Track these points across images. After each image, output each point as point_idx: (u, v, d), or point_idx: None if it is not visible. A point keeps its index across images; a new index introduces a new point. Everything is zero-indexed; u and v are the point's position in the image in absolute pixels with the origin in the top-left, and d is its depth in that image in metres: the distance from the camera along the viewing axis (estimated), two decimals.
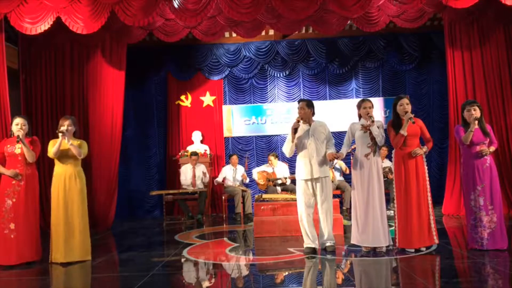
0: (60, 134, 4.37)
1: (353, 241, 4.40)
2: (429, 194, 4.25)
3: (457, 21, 6.94)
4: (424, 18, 6.73)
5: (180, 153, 8.36)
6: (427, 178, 4.28)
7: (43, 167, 6.53)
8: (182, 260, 4.49)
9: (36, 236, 4.43)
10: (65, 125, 4.43)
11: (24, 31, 5.78)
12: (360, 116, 4.45)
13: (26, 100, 6.82)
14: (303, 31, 8.67)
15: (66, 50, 6.95)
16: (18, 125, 4.35)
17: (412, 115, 4.18)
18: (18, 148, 4.35)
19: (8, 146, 4.38)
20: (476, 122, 4.12)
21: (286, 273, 3.90)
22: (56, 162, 4.49)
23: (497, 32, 6.84)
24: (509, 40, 6.85)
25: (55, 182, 4.45)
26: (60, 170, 4.46)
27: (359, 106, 4.45)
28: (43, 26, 5.73)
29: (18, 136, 4.28)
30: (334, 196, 7.13)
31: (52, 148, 4.41)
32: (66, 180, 4.40)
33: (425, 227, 4.18)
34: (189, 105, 8.93)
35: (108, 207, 6.92)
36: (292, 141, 4.45)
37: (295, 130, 4.40)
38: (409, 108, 4.24)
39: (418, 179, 4.21)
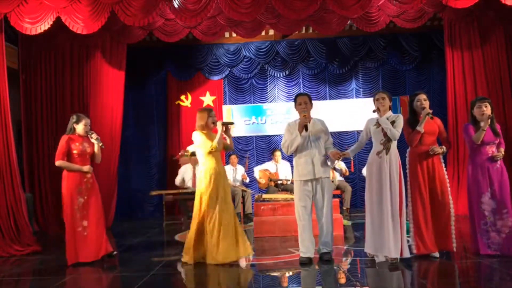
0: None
1: (366, 250, 3.97)
2: (450, 196, 3.93)
3: (457, 21, 6.94)
4: (424, 18, 6.73)
5: (180, 153, 8.36)
6: (447, 179, 3.98)
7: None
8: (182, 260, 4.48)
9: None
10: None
11: (24, 31, 5.77)
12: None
13: (26, 100, 6.82)
14: (303, 31, 8.67)
15: (66, 50, 6.96)
16: (87, 125, 4.47)
17: (430, 111, 3.90)
18: (88, 147, 4.43)
19: (76, 143, 4.39)
20: (489, 120, 3.84)
21: (286, 273, 3.90)
22: None
23: (497, 32, 6.84)
24: (509, 39, 6.85)
25: None
26: None
27: (373, 99, 4.02)
28: (43, 26, 5.72)
29: (98, 138, 4.45)
30: (334, 196, 7.12)
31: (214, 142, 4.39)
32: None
33: (444, 230, 3.90)
34: (189, 105, 8.92)
35: (108, 207, 6.91)
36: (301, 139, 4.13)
37: (305, 127, 4.08)
38: (426, 104, 3.96)
39: (435, 180, 3.93)
